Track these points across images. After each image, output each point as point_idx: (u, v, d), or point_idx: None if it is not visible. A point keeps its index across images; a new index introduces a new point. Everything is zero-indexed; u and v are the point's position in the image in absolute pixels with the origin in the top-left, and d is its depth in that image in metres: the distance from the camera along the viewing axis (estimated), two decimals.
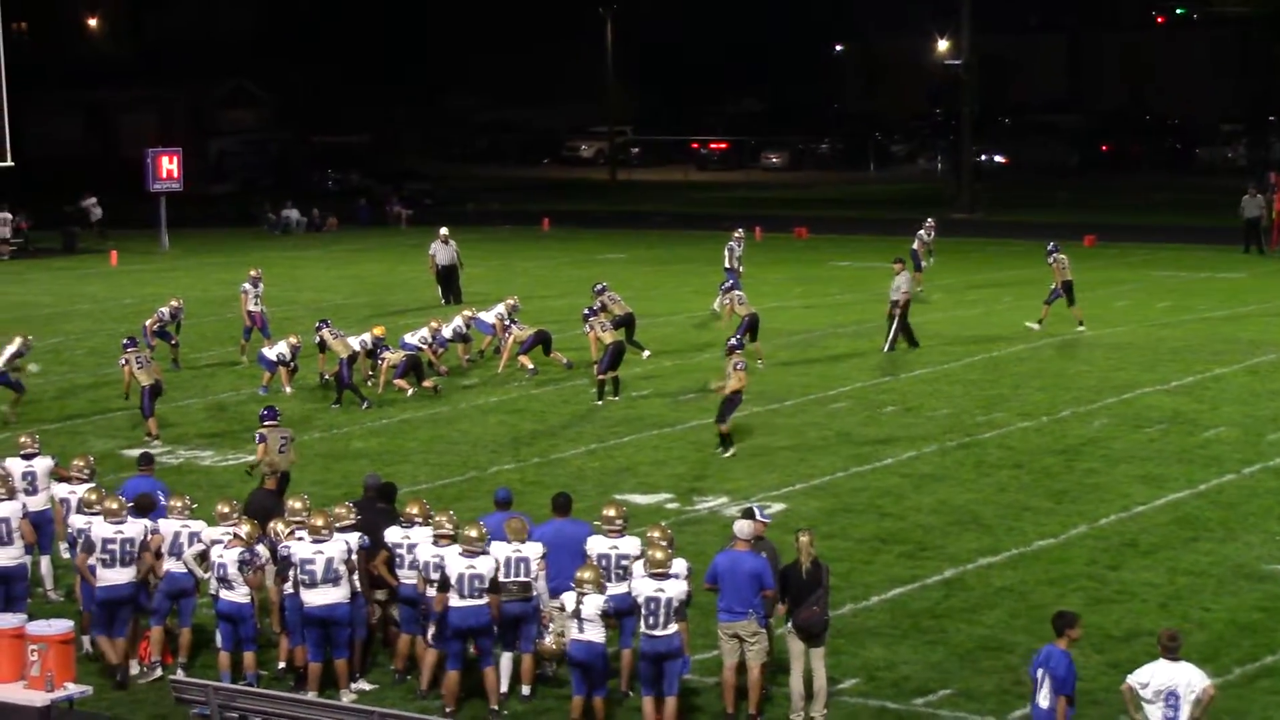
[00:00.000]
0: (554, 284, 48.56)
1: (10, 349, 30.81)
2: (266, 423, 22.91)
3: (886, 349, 35.82)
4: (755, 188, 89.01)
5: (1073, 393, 31.56)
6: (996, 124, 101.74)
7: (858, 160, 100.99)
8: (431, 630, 17.24)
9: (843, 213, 71.85)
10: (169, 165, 61.33)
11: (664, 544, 16.58)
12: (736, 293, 35.64)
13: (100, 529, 18.06)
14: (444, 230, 45.11)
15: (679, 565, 16.47)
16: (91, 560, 17.95)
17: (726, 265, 42.36)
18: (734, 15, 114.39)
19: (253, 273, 37.26)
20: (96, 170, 78.54)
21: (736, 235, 43.07)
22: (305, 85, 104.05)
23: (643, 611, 16.13)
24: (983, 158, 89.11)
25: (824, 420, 29.66)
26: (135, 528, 18.13)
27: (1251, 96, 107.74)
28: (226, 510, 18.15)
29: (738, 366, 27.03)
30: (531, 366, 33.75)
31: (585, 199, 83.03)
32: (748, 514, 17.29)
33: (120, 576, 18.04)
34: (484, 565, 16.93)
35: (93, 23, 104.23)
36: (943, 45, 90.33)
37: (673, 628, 16.12)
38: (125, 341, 30.56)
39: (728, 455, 26.96)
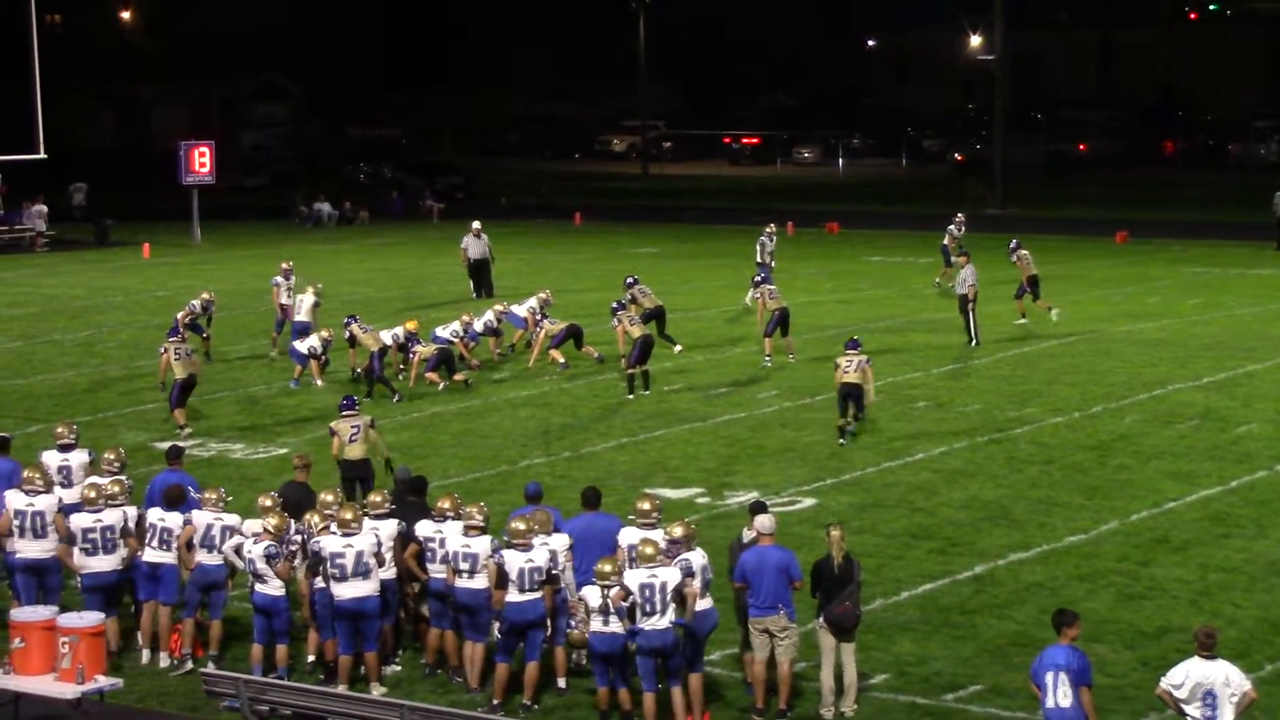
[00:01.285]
0: (585, 278, 48.59)
1: (196, 303, 35.08)
2: (344, 413, 22.62)
3: (973, 344, 35.70)
4: (786, 181, 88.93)
5: (1104, 388, 31.49)
6: (1029, 119, 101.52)
7: (890, 154, 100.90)
8: (496, 625, 17.25)
9: (875, 207, 71.77)
10: (201, 158, 61.50)
11: (656, 538, 16.65)
12: (768, 287, 35.59)
13: (79, 519, 18.30)
14: (476, 224, 45.13)
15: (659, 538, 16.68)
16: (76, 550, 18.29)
17: (758, 259, 42.38)
18: (767, 10, 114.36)
19: (284, 265, 37.31)
20: (128, 163, 78.85)
21: (768, 230, 43.08)
22: (337, 78, 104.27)
23: (638, 599, 16.16)
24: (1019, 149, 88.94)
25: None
26: (114, 515, 18.35)
27: None
28: (269, 504, 18.20)
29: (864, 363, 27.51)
30: (563, 361, 33.78)
31: (618, 193, 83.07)
32: (758, 509, 17.28)
33: (103, 564, 18.27)
34: (541, 557, 16.99)
35: (125, 16, 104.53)
36: (975, 41, 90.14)
37: (670, 617, 16.18)
38: (170, 331, 30.91)
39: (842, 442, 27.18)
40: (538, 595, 16.94)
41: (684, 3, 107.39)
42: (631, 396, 31.35)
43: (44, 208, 60.52)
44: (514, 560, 16.92)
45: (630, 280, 36.40)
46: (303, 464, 20.26)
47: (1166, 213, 66.29)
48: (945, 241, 45.29)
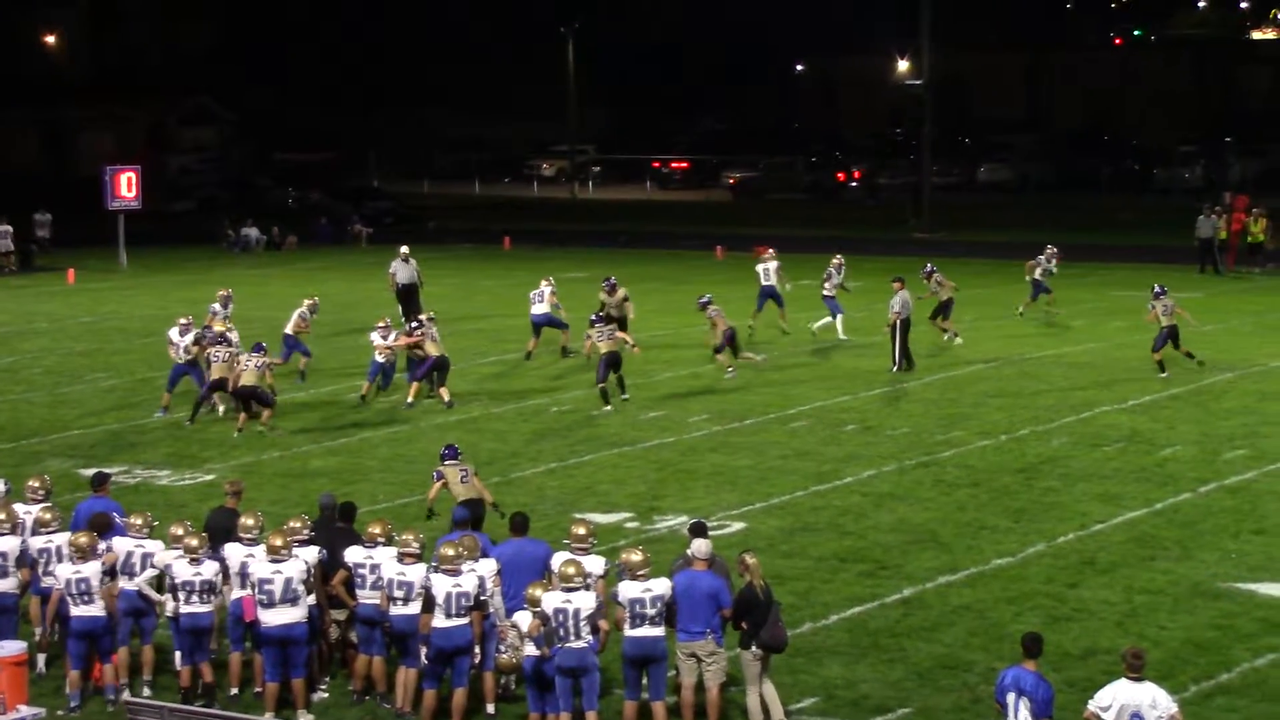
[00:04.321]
0: (515, 302, 48.44)
1: (300, 311, 35.18)
2: (447, 461, 22.15)
3: (894, 369, 35.76)
4: (714, 206, 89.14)
5: (1031, 411, 31.66)
6: (956, 143, 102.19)
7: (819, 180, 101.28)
8: (423, 651, 17.19)
9: (805, 231, 71.94)
10: (127, 183, 61.17)
11: (579, 560, 16.71)
12: (714, 308, 35.76)
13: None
14: (404, 249, 45.01)
15: (594, 563, 16.84)
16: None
17: (824, 292, 41.74)
18: (695, 34, 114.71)
19: (221, 293, 37.14)
20: (52, 188, 78.30)
21: (836, 262, 41.75)
22: (264, 103, 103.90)
23: (553, 624, 16.17)
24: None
25: (784, 439, 29.70)
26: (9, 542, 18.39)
27: (1208, 118, 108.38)
28: (181, 532, 18.07)
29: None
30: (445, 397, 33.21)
31: (547, 218, 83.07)
32: (698, 530, 17.32)
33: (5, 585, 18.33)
34: (469, 583, 16.93)
35: (50, 40, 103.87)
36: (903, 65, 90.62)
37: (585, 640, 16.18)
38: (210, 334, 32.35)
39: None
40: (465, 621, 16.88)
41: (613, 28, 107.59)
42: (609, 408, 31.75)
43: (9, 228, 59.90)
44: (441, 585, 16.87)
45: (607, 285, 37.93)
46: (234, 490, 20.14)
47: (1092, 236, 66.74)
48: (1037, 275, 44.10)
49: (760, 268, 42.24)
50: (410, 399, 32.56)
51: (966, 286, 43.69)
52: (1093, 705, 14.07)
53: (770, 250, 43.43)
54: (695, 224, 77.38)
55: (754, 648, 16.67)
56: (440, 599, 16.82)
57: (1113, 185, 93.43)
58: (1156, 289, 36.15)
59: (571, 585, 16.29)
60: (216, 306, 36.43)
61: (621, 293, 38.43)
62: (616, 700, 16.93)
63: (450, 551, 17.01)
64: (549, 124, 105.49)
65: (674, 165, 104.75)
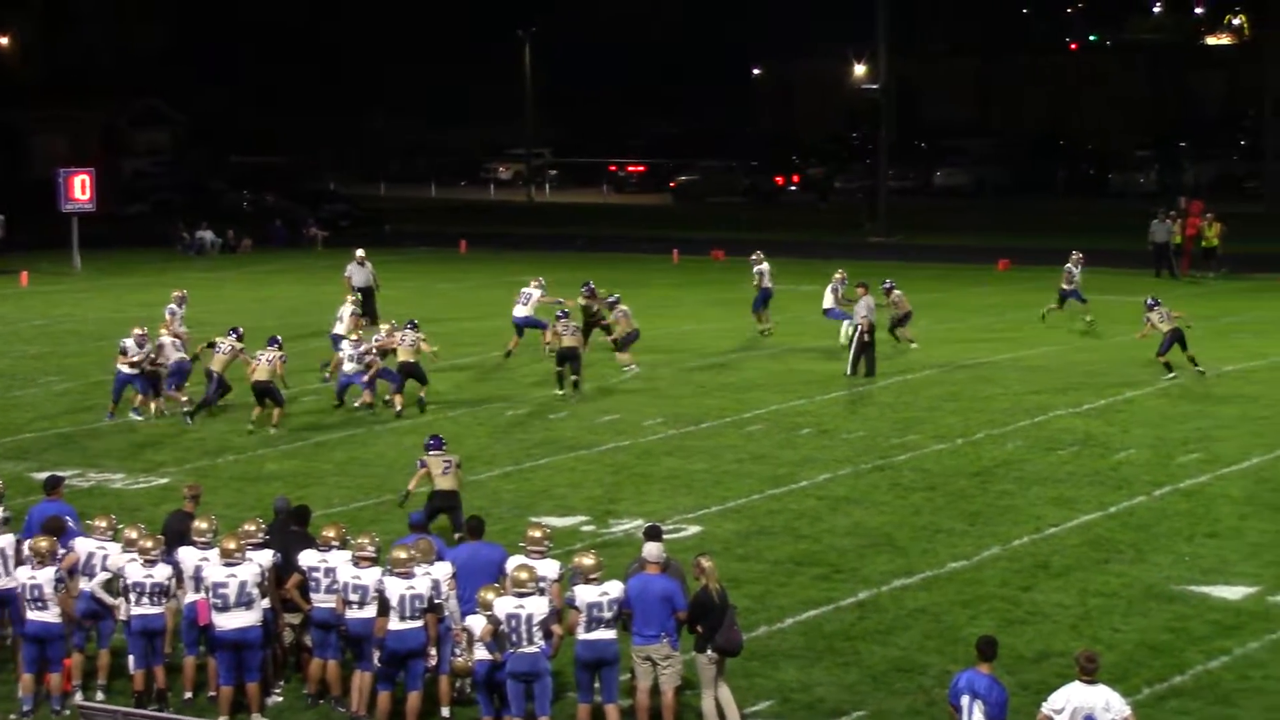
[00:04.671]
0: (471, 305, 48.47)
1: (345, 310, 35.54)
2: (432, 451, 22.75)
3: (849, 373, 35.76)
4: (670, 210, 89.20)
5: (986, 415, 31.75)
6: (912, 147, 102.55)
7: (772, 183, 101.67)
8: (376, 654, 17.14)
9: (760, 235, 72.02)
10: (81, 185, 60.92)
11: (532, 564, 16.72)
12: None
13: None
14: (360, 252, 44.91)
15: (549, 567, 16.87)
16: None
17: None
18: (652, 38, 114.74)
19: (176, 294, 37.02)
20: (5, 190, 77.91)
21: (838, 276, 41.01)
22: (218, 105, 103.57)
23: (505, 629, 16.16)
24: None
25: (740, 443, 29.72)
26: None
27: (1163, 122, 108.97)
28: (135, 535, 17.99)
29: None
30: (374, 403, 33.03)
31: (503, 221, 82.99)
32: (652, 534, 17.32)
33: None
34: (423, 585, 16.89)
35: (3, 42, 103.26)
36: (859, 69, 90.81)
37: (537, 645, 16.16)
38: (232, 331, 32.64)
39: None
40: (419, 624, 16.85)
41: (571, 32, 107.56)
42: (560, 391, 33.34)
43: None
44: (395, 588, 16.82)
45: (586, 289, 38.40)
46: (191, 494, 20.05)
47: (1048, 240, 66.96)
48: (1065, 285, 43.28)
49: (756, 270, 42.45)
50: (399, 407, 32.41)
51: (922, 291, 43.89)
52: (1046, 708, 14.10)
53: (759, 253, 43.52)
54: (652, 227, 77.43)
55: (709, 651, 16.67)
56: (394, 602, 16.78)
57: (1068, 189, 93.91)
58: (1149, 301, 36.02)
59: (524, 590, 16.27)
60: (173, 307, 36.33)
61: (620, 307, 37.51)
62: (570, 704, 16.90)
63: (403, 554, 16.97)
64: (507, 127, 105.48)
65: (630, 169, 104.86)
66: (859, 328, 35.87)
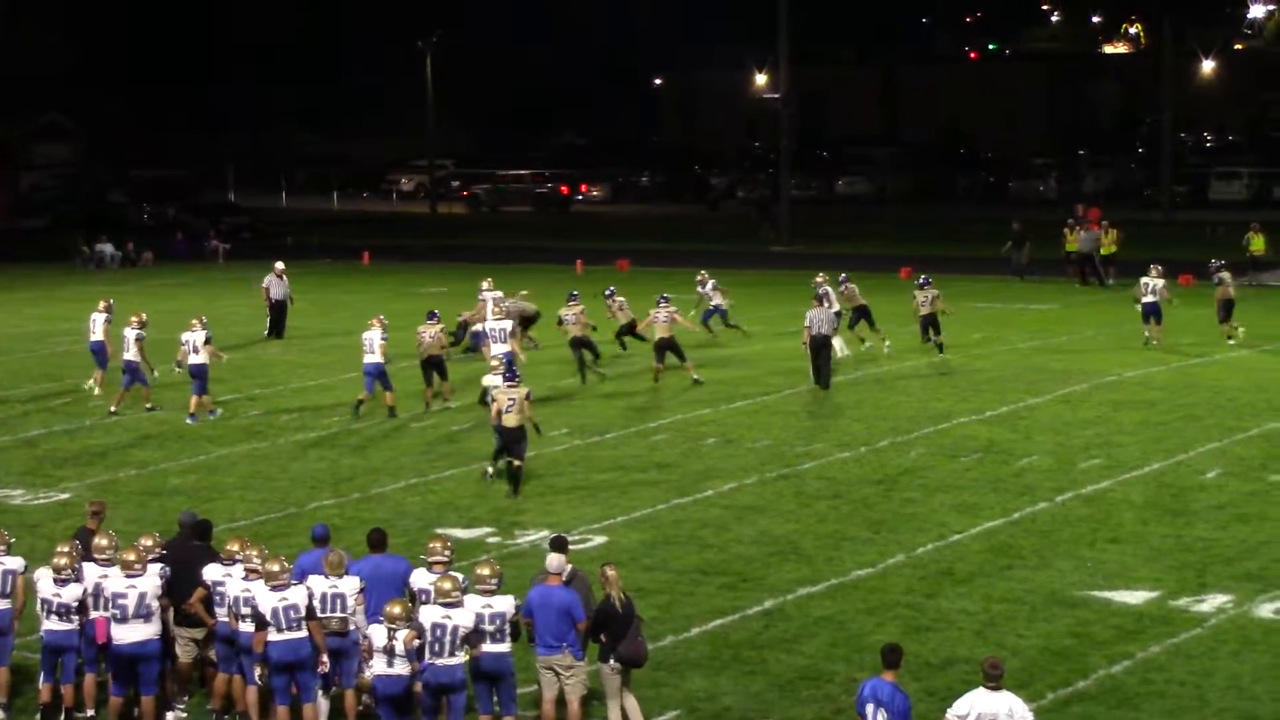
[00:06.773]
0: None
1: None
2: (506, 383, 25.79)
3: (812, 382, 35.73)
4: (576, 220, 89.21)
5: (890, 423, 31.91)
6: (813, 157, 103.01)
7: (677, 193, 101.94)
8: (257, 671, 17.01)
9: (663, 245, 72.16)
10: None
11: (456, 575, 16.65)
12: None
13: None
14: (279, 264, 44.78)
15: (505, 603, 16.55)
16: None
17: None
18: (554, 49, 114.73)
19: (102, 304, 36.84)
20: None
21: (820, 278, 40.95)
22: (120, 119, 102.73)
23: (428, 639, 16.09)
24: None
25: (645, 452, 29.73)
26: None
27: (1061, 130, 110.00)
28: (59, 553, 17.78)
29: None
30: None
31: (406, 233, 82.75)
32: (558, 545, 17.30)
33: None
34: (296, 595, 16.77)
35: None
36: (760, 79, 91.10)
37: (458, 658, 16.10)
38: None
39: None
40: (301, 634, 16.72)
41: (473, 42, 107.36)
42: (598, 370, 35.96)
43: None
44: (267, 600, 16.70)
45: (571, 296, 37.85)
46: (94, 510, 19.83)
47: (949, 248, 67.44)
48: (1148, 298, 40.46)
49: (701, 290, 43.19)
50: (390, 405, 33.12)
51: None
52: (951, 714, 14.16)
53: (703, 272, 43.89)
54: (556, 239, 77.34)
55: (613, 661, 16.67)
56: (269, 615, 16.67)
57: (968, 197, 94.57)
58: (921, 280, 40.00)
59: (450, 600, 16.18)
60: (97, 316, 36.14)
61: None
62: (472, 718, 16.84)
63: (275, 567, 16.84)
64: (413, 140, 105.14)
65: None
66: (815, 336, 35.48)
